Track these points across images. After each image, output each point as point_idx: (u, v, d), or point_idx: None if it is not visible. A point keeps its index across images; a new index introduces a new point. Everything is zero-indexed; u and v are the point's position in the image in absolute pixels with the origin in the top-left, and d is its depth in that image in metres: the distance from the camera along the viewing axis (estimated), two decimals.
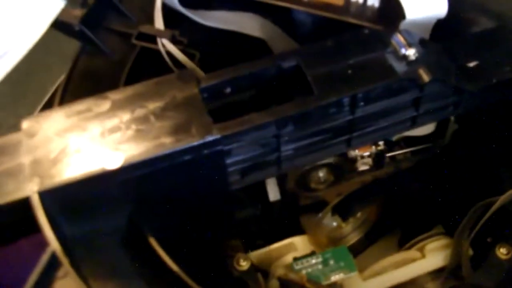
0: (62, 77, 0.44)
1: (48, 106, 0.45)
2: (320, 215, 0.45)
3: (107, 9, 0.43)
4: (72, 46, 0.45)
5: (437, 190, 0.48)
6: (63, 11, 0.41)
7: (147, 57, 0.42)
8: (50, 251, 0.29)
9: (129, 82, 0.41)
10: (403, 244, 0.48)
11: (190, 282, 0.32)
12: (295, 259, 0.42)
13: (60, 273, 0.29)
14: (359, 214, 0.47)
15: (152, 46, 0.42)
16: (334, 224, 0.46)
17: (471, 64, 0.39)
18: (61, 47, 0.46)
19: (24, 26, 0.40)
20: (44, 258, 0.29)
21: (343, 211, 0.45)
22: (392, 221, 0.47)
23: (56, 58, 0.50)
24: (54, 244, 0.29)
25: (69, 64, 0.44)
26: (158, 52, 0.42)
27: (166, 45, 0.41)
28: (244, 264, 0.41)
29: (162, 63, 0.42)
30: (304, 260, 0.42)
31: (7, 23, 0.39)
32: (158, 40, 0.42)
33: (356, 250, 0.46)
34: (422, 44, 0.38)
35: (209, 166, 0.34)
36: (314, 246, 0.46)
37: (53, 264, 0.29)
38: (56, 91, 0.44)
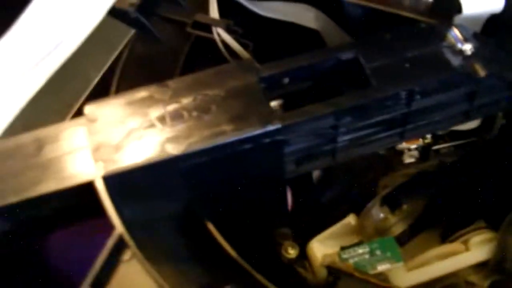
0: (106, 65, 0.45)
1: (95, 93, 0.46)
2: (369, 205, 0.46)
3: None
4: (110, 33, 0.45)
5: (482, 184, 0.48)
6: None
7: (202, 46, 0.43)
8: (115, 234, 0.29)
9: (184, 70, 0.42)
10: (445, 237, 0.48)
11: (246, 266, 0.33)
12: (342, 248, 0.43)
13: (125, 256, 0.29)
14: (405, 206, 0.47)
15: (207, 35, 0.42)
16: (382, 215, 0.47)
17: None
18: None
19: (82, 14, 0.41)
20: (110, 242, 0.29)
21: (392, 202, 0.46)
22: (436, 214, 0.48)
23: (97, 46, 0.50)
24: (119, 227, 0.30)
25: (111, 53, 0.44)
26: (212, 41, 0.42)
27: (221, 34, 0.42)
28: (292, 252, 0.42)
29: (216, 53, 0.42)
30: (351, 250, 0.43)
31: (65, 11, 0.40)
32: (213, 29, 0.42)
33: (400, 241, 0.47)
34: (477, 38, 0.38)
35: (268, 155, 0.35)
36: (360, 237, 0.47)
37: (119, 247, 0.29)
38: (102, 78, 0.44)
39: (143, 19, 0.42)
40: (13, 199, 0.31)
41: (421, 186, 0.47)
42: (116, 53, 0.45)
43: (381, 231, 0.47)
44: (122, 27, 0.45)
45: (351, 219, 0.47)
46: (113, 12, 0.42)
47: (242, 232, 0.36)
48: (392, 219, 0.47)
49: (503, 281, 0.44)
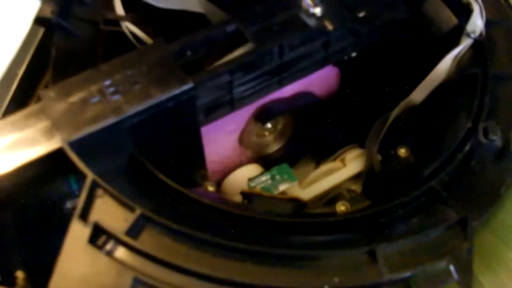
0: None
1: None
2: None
3: (74, 3, 0.53)
4: None
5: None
6: (40, 9, 0.51)
7: (115, 39, 0.53)
8: (89, 180, 0.40)
9: (104, 60, 0.51)
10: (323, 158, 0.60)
11: (179, 188, 0.43)
12: (249, 179, 0.55)
13: (99, 192, 0.40)
14: (278, 126, 0.59)
15: (117, 29, 0.53)
16: (257, 130, 0.58)
17: (361, 14, 0.53)
18: None
19: (10, 28, 0.51)
20: (86, 184, 0.39)
21: (263, 117, 0.57)
22: (307, 133, 0.60)
23: None
24: (90, 174, 0.40)
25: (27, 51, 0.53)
26: (122, 33, 0.53)
27: (128, 26, 0.53)
28: (211, 189, 0.53)
29: (127, 42, 0.53)
30: (256, 179, 0.55)
31: None
32: (121, 23, 0.53)
33: (279, 157, 0.59)
34: (324, 2, 0.51)
35: (186, 109, 0.46)
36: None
37: (93, 188, 0.40)
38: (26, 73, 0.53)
39: (63, 23, 0.52)
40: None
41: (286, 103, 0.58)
42: (31, 51, 0.53)
43: (260, 148, 0.59)
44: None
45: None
46: (37, 21, 0.51)
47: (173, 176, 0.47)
48: (268, 137, 0.59)
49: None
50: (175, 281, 0.36)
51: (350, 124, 0.60)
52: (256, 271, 0.37)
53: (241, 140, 0.57)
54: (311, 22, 0.48)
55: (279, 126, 0.61)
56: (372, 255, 0.38)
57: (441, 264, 0.38)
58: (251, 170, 0.57)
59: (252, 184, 0.54)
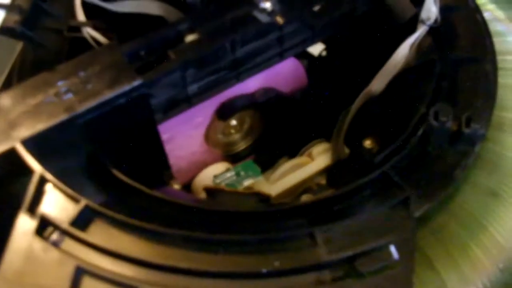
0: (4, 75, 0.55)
1: None
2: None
3: (39, 13, 0.55)
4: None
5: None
6: (5, 19, 0.53)
7: (78, 45, 0.55)
8: (37, 174, 0.41)
9: None
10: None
11: (132, 183, 0.44)
12: (215, 176, 0.56)
13: (47, 187, 0.41)
14: (245, 125, 0.60)
15: (79, 35, 0.54)
16: (221, 126, 0.59)
17: (316, 8, 0.54)
18: None
19: None
20: (34, 179, 0.41)
21: (222, 113, 0.58)
22: (275, 131, 0.61)
23: None
24: (38, 168, 0.41)
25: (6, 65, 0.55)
26: (84, 39, 0.55)
27: (90, 32, 0.54)
28: (177, 187, 0.55)
29: (89, 47, 0.55)
30: (221, 176, 0.56)
31: None
32: (83, 29, 0.54)
33: (248, 155, 0.60)
34: None
35: (139, 107, 0.47)
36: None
37: (41, 184, 0.41)
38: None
39: (28, 32, 0.53)
40: None
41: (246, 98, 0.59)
42: (10, 64, 0.56)
43: (228, 146, 0.60)
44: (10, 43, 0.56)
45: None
46: (1, 30, 0.53)
47: (138, 176, 0.48)
48: (235, 135, 0.60)
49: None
50: (118, 270, 0.37)
51: (319, 119, 0.61)
52: (198, 257, 0.38)
53: (208, 138, 0.58)
54: (263, 17, 0.49)
55: (246, 125, 0.61)
56: (312, 238, 0.38)
57: (383, 244, 0.38)
58: (220, 168, 0.58)
59: (217, 181, 0.55)
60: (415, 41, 0.52)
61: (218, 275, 0.37)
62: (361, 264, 0.37)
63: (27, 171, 0.43)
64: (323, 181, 0.58)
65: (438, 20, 0.51)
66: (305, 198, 0.51)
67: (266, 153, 0.61)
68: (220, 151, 0.61)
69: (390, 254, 0.37)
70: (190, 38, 0.49)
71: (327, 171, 0.58)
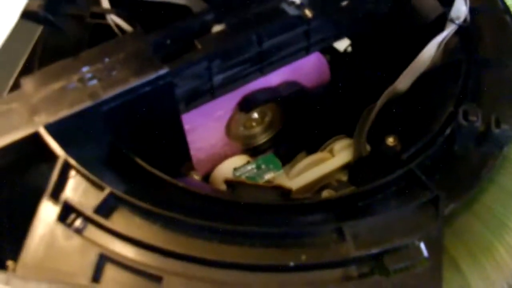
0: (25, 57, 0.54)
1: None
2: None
3: None
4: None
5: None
6: (28, 3, 0.53)
7: (100, 32, 0.54)
8: (61, 160, 0.40)
9: None
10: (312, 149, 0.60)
11: (155, 172, 0.44)
12: (235, 168, 0.55)
13: (72, 173, 0.40)
14: (266, 118, 0.60)
15: (103, 21, 0.54)
16: (243, 118, 0.59)
17: (344, 3, 0.53)
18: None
19: None
20: (58, 164, 0.40)
21: (246, 106, 0.57)
22: (296, 125, 0.61)
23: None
24: (62, 154, 0.41)
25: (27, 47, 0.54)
26: (108, 26, 0.54)
27: (114, 19, 0.54)
28: (197, 178, 0.54)
29: (112, 35, 0.54)
30: (242, 168, 0.55)
31: None
32: (107, 16, 0.54)
33: (268, 148, 0.60)
34: None
35: (163, 97, 0.46)
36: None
37: (65, 170, 0.40)
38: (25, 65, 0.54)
39: (50, 17, 0.53)
40: None
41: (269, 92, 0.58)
42: (30, 47, 0.55)
43: (248, 139, 0.60)
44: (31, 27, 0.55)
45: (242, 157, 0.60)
46: (25, 14, 0.53)
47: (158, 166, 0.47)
48: (256, 128, 0.60)
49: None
50: (141, 258, 0.37)
51: (340, 115, 0.60)
52: (224, 249, 0.37)
53: (229, 130, 0.58)
54: (291, 10, 0.49)
55: (267, 118, 0.61)
56: (339, 233, 0.37)
57: (411, 241, 0.37)
58: (239, 161, 0.58)
59: (238, 174, 0.54)
60: (443, 40, 0.51)
61: (244, 267, 0.36)
62: (389, 260, 0.36)
63: (48, 157, 0.42)
64: (343, 177, 0.57)
65: (467, 20, 0.51)
66: (326, 193, 0.50)
67: (286, 147, 0.61)
68: (240, 144, 0.60)
69: (419, 251, 0.37)
70: (216, 28, 0.48)
71: (347, 168, 0.57)
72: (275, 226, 0.39)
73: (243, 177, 0.54)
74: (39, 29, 0.55)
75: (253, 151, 0.61)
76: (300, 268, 0.36)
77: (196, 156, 0.55)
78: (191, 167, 0.54)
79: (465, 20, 0.51)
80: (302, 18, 0.49)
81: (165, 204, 0.40)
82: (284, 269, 0.36)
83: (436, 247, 0.37)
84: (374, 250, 0.37)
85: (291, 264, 0.36)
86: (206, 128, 0.56)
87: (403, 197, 0.43)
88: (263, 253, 0.37)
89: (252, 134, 0.61)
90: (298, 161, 0.59)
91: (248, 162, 0.56)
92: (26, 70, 0.54)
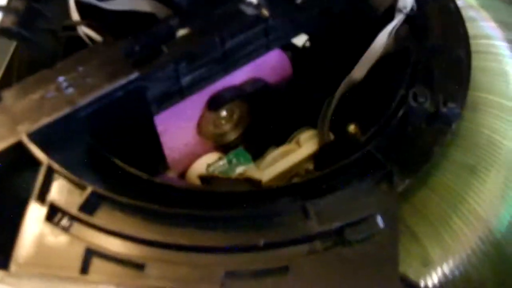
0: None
1: None
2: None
3: (34, 14, 0.57)
4: None
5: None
6: (2, 20, 0.55)
7: (73, 44, 0.57)
8: (45, 165, 0.43)
9: None
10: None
11: (131, 170, 0.47)
12: (208, 165, 0.59)
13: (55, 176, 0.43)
14: (234, 116, 0.64)
15: (74, 34, 0.57)
16: (211, 117, 0.62)
17: (299, 1, 0.57)
18: None
19: None
20: (42, 169, 0.43)
21: (212, 104, 0.61)
22: (264, 120, 0.64)
23: None
24: (45, 160, 0.44)
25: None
26: (80, 37, 0.57)
27: (84, 30, 0.57)
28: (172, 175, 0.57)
29: (85, 45, 0.57)
30: (214, 164, 0.58)
31: None
32: (78, 28, 0.57)
33: (238, 145, 0.63)
34: None
35: (136, 100, 0.50)
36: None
37: (49, 174, 0.44)
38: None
39: (24, 33, 0.56)
40: None
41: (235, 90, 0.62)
42: (5, 64, 0.58)
43: (219, 137, 0.63)
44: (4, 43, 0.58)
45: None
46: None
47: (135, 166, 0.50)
48: (225, 125, 0.63)
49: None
50: (124, 249, 0.40)
51: (305, 107, 0.64)
52: (198, 234, 0.41)
53: (200, 129, 0.61)
54: (249, 10, 0.52)
55: (235, 116, 0.64)
56: (304, 211, 0.41)
57: (369, 214, 0.41)
58: (212, 158, 0.60)
59: (211, 169, 0.57)
60: (392, 29, 0.55)
61: (219, 250, 0.40)
62: (349, 233, 0.40)
63: (31, 164, 0.45)
64: (311, 166, 0.60)
65: (414, 9, 0.54)
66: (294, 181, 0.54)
67: (255, 142, 0.64)
68: (211, 142, 0.64)
69: (376, 223, 0.40)
70: (181, 32, 0.52)
71: (314, 157, 0.60)
72: (247, 210, 0.43)
73: (216, 172, 0.57)
74: (12, 45, 0.57)
75: (224, 148, 0.65)
76: (270, 246, 0.40)
77: (171, 156, 0.58)
78: (167, 167, 0.57)
79: (412, 9, 0.54)
80: (259, 18, 0.53)
81: (143, 199, 0.43)
82: (255, 248, 0.40)
83: (392, 219, 0.41)
84: (336, 225, 0.40)
85: (261, 243, 0.40)
86: (178, 128, 0.59)
87: (363, 177, 0.46)
88: (236, 235, 0.41)
89: (222, 132, 0.65)
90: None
91: (220, 158, 0.59)
92: (4, 84, 0.56)
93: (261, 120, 0.65)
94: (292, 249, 0.40)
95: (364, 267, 0.39)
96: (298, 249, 0.40)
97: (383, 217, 0.41)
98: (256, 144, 0.63)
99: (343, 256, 0.39)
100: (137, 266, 0.39)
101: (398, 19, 0.54)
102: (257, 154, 0.63)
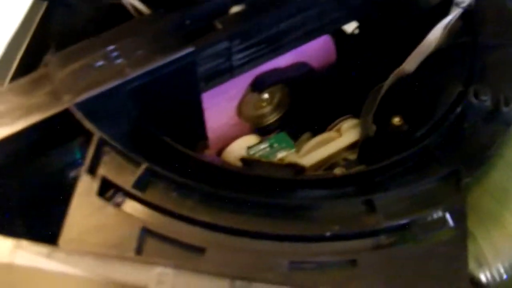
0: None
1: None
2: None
3: None
4: None
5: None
6: None
7: (115, 12, 0.55)
8: (96, 137, 0.41)
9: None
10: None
11: (182, 149, 0.45)
12: (249, 147, 0.57)
13: (106, 149, 0.41)
14: (275, 99, 0.62)
15: (116, 1, 0.54)
16: (254, 98, 0.60)
17: None
18: None
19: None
20: (94, 140, 0.41)
21: (258, 85, 0.58)
22: (303, 106, 0.63)
23: None
24: (97, 132, 0.42)
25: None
26: (123, 7, 0.54)
27: (130, 0, 0.54)
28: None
29: (127, 16, 0.55)
30: (255, 147, 0.56)
31: None
32: None
33: (276, 128, 0.62)
34: None
35: (186, 75, 0.48)
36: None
37: (101, 145, 0.41)
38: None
39: None
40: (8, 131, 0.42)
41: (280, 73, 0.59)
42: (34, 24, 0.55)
43: (258, 119, 0.61)
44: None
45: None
46: None
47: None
48: (266, 108, 0.61)
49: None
50: (182, 230, 0.38)
51: (347, 96, 0.62)
52: (258, 220, 0.39)
53: (240, 110, 0.59)
54: None
55: (276, 99, 0.62)
56: (370, 205, 0.39)
57: (437, 212, 0.39)
58: (249, 140, 0.59)
59: (251, 152, 0.56)
60: (448, 23, 0.53)
61: (283, 238, 0.38)
62: (417, 229, 0.38)
63: (77, 135, 0.43)
64: (349, 156, 0.58)
65: (472, 4, 0.53)
66: (338, 171, 0.52)
67: (293, 127, 0.62)
68: (249, 124, 0.62)
69: (446, 221, 0.39)
70: (235, 9, 0.49)
71: (353, 147, 0.58)
72: (309, 199, 0.41)
73: (256, 156, 0.55)
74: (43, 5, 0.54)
75: (261, 131, 0.63)
76: (335, 237, 0.38)
77: (208, 135, 0.56)
78: (206, 146, 0.55)
79: (469, 4, 0.53)
80: (315, 0, 0.51)
81: (198, 179, 0.41)
82: (321, 239, 0.38)
83: (461, 217, 0.39)
84: (403, 220, 0.39)
85: (327, 234, 0.38)
86: (219, 108, 0.57)
87: (419, 172, 0.45)
88: (298, 224, 0.39)
89: (261, 114, 0.63)
90: (302, 141, 0.60)
91: (260, 141, 0.57)
92: (31, 50, 0.53)
93: (301, 105, 0.63)
94: (357, 243, 0.39)
95: (433, 264, 0.37)
96: (363, 242, 0.39)
97: (451, 216, 0.39)
98: (293, 129, 0.61)
99: (411, 252, 0.38)
100: (197, 249, 0.36)
101: (454, 13, 0.52)
102: (293, 139, 0.61)
